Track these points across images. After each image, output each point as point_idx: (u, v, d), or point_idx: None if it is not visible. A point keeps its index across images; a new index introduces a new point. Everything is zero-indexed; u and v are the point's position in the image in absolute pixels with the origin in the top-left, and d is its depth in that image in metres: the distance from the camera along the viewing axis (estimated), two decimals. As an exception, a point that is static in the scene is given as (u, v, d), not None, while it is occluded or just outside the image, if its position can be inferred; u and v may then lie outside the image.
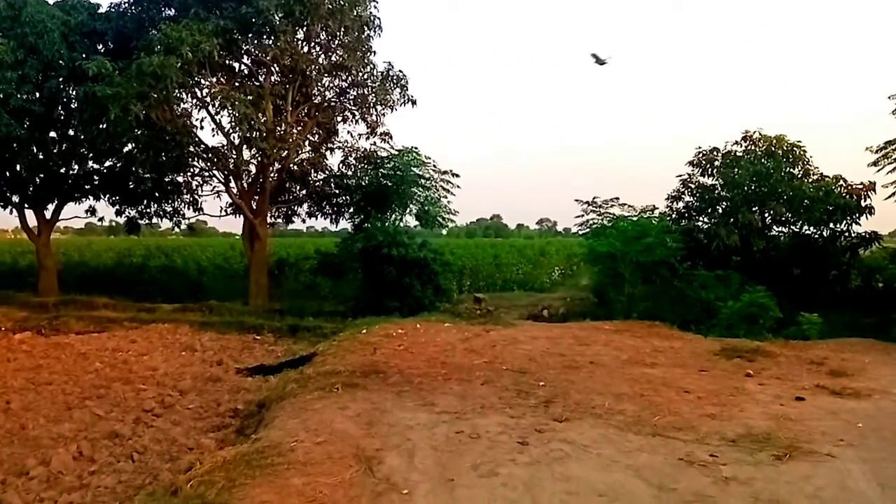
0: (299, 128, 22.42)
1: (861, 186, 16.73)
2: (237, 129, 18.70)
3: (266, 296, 21.25)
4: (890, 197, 17.19)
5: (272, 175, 21.62)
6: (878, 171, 17.37)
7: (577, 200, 18.70)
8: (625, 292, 16.07)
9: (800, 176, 18.02)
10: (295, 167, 23.15)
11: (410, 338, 12.20)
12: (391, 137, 22.90)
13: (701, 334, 13.92)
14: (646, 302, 16.31)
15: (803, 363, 10.22)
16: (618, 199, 18.47)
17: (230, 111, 17.35)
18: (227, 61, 20.14)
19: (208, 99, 18.51)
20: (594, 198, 18.47)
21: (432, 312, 17.35)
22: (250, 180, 21.44)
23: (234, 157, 19.26)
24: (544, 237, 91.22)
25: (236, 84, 19.74)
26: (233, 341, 15.46)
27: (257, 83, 20.15)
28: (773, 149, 18.45)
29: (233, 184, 21.30)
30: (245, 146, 20.17)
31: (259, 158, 20.56)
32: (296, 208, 24.94)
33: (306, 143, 23.34)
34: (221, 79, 19.07)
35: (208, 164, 20.50)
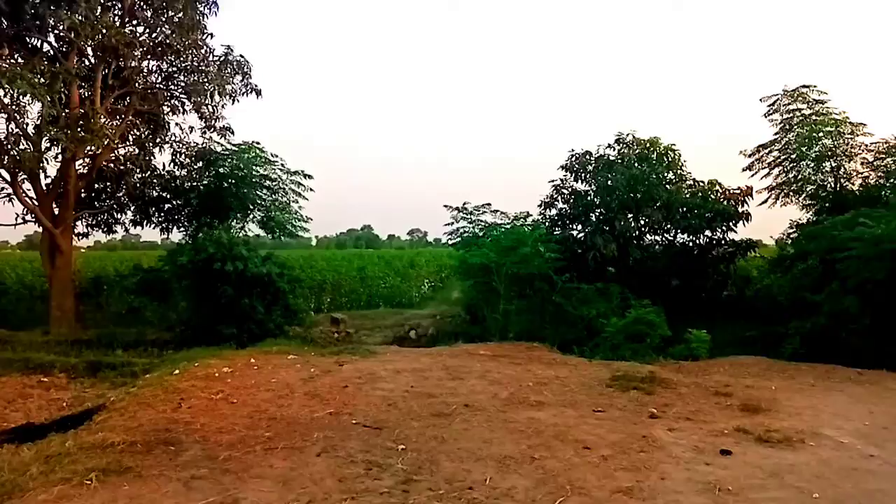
0: (115, 119, 18.91)
1: (738, 191, 16.44)
2: (19, 115, 14.91)
3: (72, 322, 17.44)
4: (764, 203, 17.18)
5: (79, 174, 17.91)
6: (752, 175, 17.33)
7: (446, 206, 16.99)
8: (500, 309, 14.46)
9: (675, 181, 17.53)
10: (111, 165, 19.49)
11: (238, 379, 9.64)
12: (232, 133, 19.94)
13: (584, 357, 12.62)
14: (522, 319, 14.82)
15: (708, 394, 8.96)
16: (489, 205, 17.00)
17: (9, 91, 13.57)
18: (22, 34, 16.29)
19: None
20: (464, 203, 16.85)
21: (279, 339, 14.79)
22: (49, 181, 17.52)
23: (20, 150, 15.34)
24: (415, 248, 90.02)
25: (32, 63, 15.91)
26: (8, 385, 11.88)
27: (59, 63, 16.38)
28: (647, 152, 17.87)
29: (27, 185, 17.33)
30: (44, 138, 16.37)
31: (59, 154, 16.78)
32: (118, 216, 21.12)
33: (125, 136, 19.81)
34: (15, 55, 15.15)
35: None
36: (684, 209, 16.71)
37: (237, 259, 14.80)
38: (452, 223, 16.85)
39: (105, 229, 21.46)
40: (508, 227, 16.18)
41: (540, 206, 18.62)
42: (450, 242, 17.21)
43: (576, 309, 14.07)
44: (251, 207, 18.51)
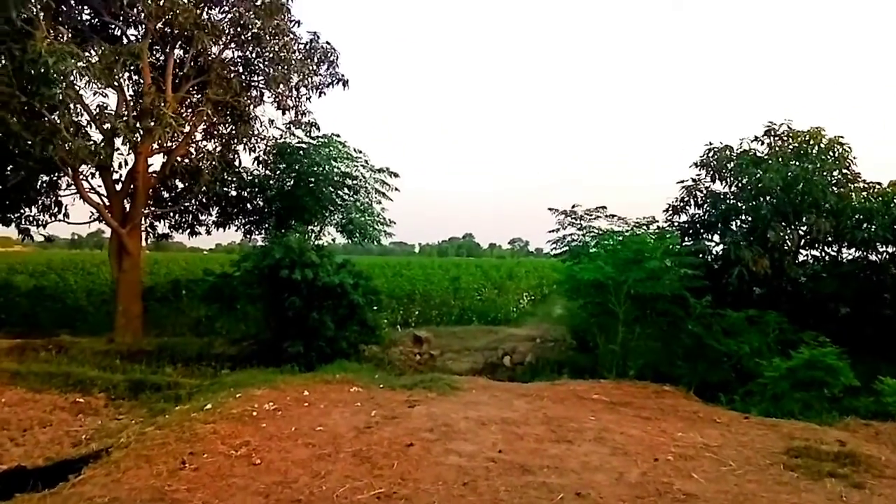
0: (189, 110, 17.86)
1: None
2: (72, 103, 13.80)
3: (138, 329, 16.37)
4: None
5: (153, 172, 16.92)
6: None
7: (551, 209, 14.40)
8: (618, 337, 11.66)
9: (844, 182, 14.00)
10: (186, 161, 18.47)
11: (277, 422, 7.62)
12: (318, 128, 18.38)
13: (735, 408, 9.65)
14: (646, 351, 11.96)
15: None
16: (604, 208, 14.21)
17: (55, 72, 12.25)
18: (80, 15, 15.47)
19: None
20: (574, 206, 14.17)
21: (351, 361, 12.84)
22: (121, 177, 16.57)
23: (75, 141, 14.21)
24: (515, 257, 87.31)
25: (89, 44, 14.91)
26: (39, 405, 10.60)
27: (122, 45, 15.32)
28: (806, 147, 14.44)
29: (97, 180, 16.50)
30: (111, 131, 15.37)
31: (128, 147, 15.71)
32: (201, 217, 20.19)
33: (208, 132, 18.79)
34: (68, 33, 14.15)
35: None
36: (858, 217, 13.16)
37: (307, 266, 12.99)
38: (558, 229, 14.22)
39: (187, 230, 20.64)
40: (627, 235, 13.34)
41: (666, 210, 15.62)
42: (554, 252, 14.56)
43: (720, 342, 11.04)
44: (331, 208, 16.77)
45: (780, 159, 14.11)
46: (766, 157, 14.68)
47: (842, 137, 14.10)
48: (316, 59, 18.52)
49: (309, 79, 18.47)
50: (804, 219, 13.33)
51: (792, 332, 11.37)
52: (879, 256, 13.31)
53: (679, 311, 11.57)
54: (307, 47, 18.33)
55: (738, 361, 10.83)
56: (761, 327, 11.35)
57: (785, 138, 14.75)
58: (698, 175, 15.51)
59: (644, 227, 14.50)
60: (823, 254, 14.39)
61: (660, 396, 9.98)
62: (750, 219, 14.18)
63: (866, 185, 13.82)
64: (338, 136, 17.24)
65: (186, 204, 19.60)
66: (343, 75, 18.53)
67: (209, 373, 12.75)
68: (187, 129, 17.08)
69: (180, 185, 19.36)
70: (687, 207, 15.53)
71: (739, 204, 14.51)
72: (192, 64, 16.82)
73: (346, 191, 17.02)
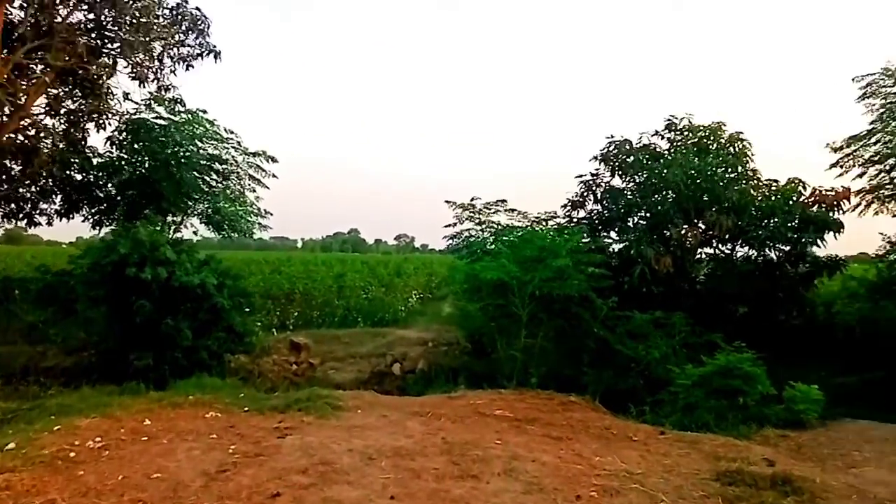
0: (26, 80, 15.23)
1: (832, 193, 12.82)
2: None
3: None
4: (854, 209, 13.66)
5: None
6: (841, 174, 13.81)
7: (448, 202, 13.33)
8: (520, 342, 10.71)
9: (744, 179, 13.92)
10: (21, 139, 15.77)
11: (99, 466, 5.93)
12: (182, 104, 16.20)
13: (645, 420, 8.98)
14: (549, 357, 11.11)
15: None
16: (504, 202, 13.32)
17: None
18: None
19: None
20: (473, 199, 13.16)
21: (214, 374, 11.10)
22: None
23: None
24: (402, 253, 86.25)
25: None
26: None
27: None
28: (707, 142, 14.27)
29: None
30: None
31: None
32: (41, 205, 17.39)
33: (53, 107, 16.14)
34: None
35: None
36: (760, 215, 13.07)
37: (160, 264, 11.09)
38: (455, 223, 13.16)
39: (24, 220, 17.74)
40: (529, 231, 12.50)
41: (565, 206, 14.95)
42: (451, 248, 13.50)
43: (626, 347, 10.38)
44: (195, 197, 14.73)
45: (682, 154, 13.82)
46: (666, 152, 14.40)
47: (741, 133, 14.06)
48: (183, 27, 16.41)
49: (174, 49, 16.35)
50: (706, 215, 13.07)
51: (698, 334, 10.94)
52: (777, 255, 13.29)
53: (585, 313, 10.81)
54: (173, 13, 16.19)
55: (647, 367, 10.21)
56: (668, 330, 10.83)
57: (686, 133, 14.52)
58: (597, 170, 15.00)
59: (544, 222, 13.78)
60: (723, 252, 14.26)
61: (567, 409, 9.10)
62: (650, 215, 13.80)
63: (765, 183, 13.82)
64: (204, 111, 15.22)
65: (22, 190, 16.84)
66: (214, 46, 16.51)
67: (32, 392, 10.56)
68: (23, 100, 14.48)
69: (15, 168, 16.59)
70: (586, 203, 14.98)
71: (640, 200, 14.08)
72: (30, 25, 14.24)
73: (213, 176, 15.05)
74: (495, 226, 13.14)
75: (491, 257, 11.16)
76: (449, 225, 13.53)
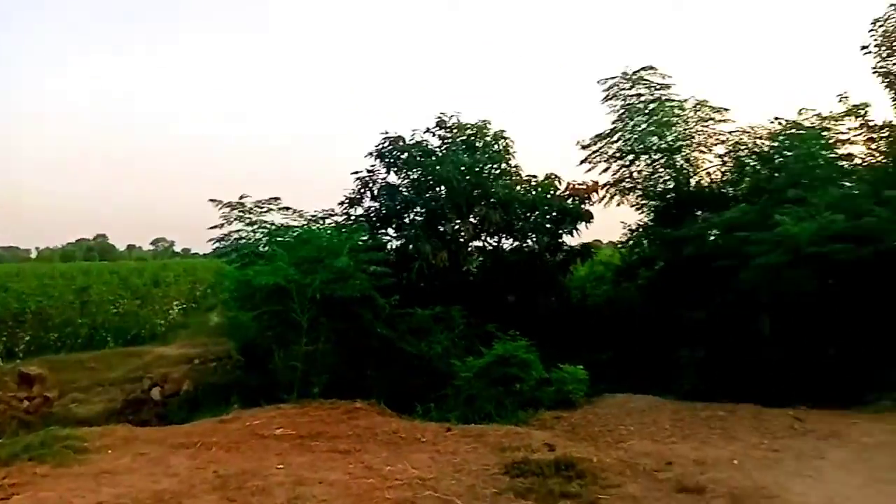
0: None
1: (584, 187, 14.08)
2: None
3: None
4: (601, 201, 15.15)
5: None
6: (590, 169, 15.19)
7: (213, 201, 12.14)
8: (301, 351, 10.08)
9: (509, 174, 14.73)
10: None
11: None
12: None
13: (431, 417, 9.00)
14: (331, 363, 10.62)
15: (664, 489, 5.75)
16: (278, 199, 12.53)
17: None
18: None
19: None
20: (242, 197, 12.15)
21: None
22: None
23: None
24: (160, 259, 79.12)
25: None
26: None
27: None
28: (474, 139, 14.86)
29: None
30: None
31: None
32: None
33: None
34: None
35: None
36: (523, 208, 13.94)
37: None
38: (223, 224, 12.05)
39: None
40: (306, 230, 11.88)
41: (342, 203, 14.58)
42: (218, 252, 12.33)
43: (410, 344, 10.31)
44: None
45: (452, 151, 14.21)
46: (438, 149, 14.72)
47: (504, 131, 14.85)
48: None
49: None
50: (477, 210, 13.59)
51: (475, 325, 11.28)
52: (538, 246, 14.28)
53: (367, 313, 10.53)
54: None
55: (430, 363, 10.24)
56: (447, 324, 11.00)
57: (455, 130, 14.97)
58: (373, 166, 14.87)
59: (322, 220, 13.28)
60: (492, 245, 14.96)
61: (353, 417, 8.72)
62: (426, 211, 14.00)
63: (526, 178, 14.77)
64: None
65: None
66: None
67: None
68: None
69: None
70: (364, 200, 14.76)
71: (416, 196, 14.21)
72: None
73: None
74: (269, 226, 12.29)
75: (265, 261, 10.34)
76: (215, 226, 12.35)
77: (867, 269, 8.68)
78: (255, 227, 12.09)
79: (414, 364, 10.33)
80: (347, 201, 14.45)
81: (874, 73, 12.28)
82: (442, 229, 13.60)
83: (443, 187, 13.71)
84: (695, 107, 14.07)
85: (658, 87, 14.54)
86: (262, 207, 12.17)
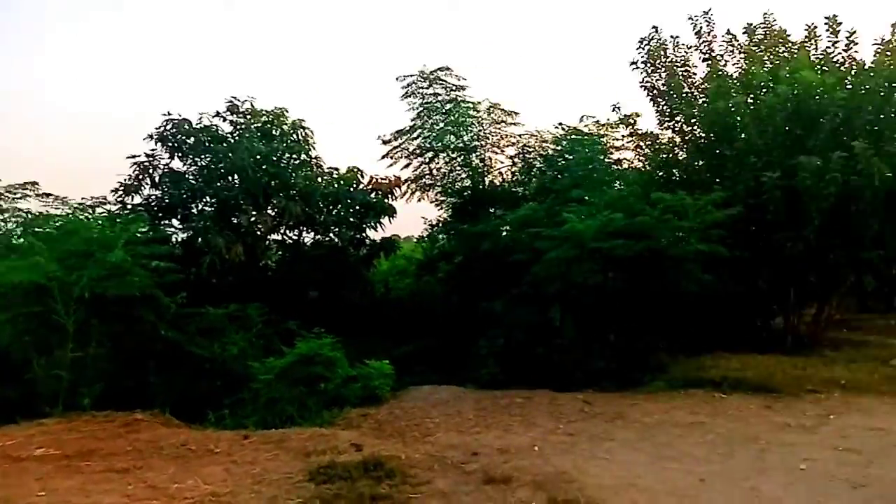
0: None
1: (387, 182, 14.06)
2: None
3: None
4: (404, 195, 15.33)
5: None
6: (391, 165, 15.29)
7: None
8: (66, 358, 8.73)
9: (310, 166, 14.24)
10: None
11: None
12: None
13: (226, 425, 8.37)
14: (105, 370, 9.37)
15: (472, 481, 5.82)
16: (36, 184, 10.81)
17: None
18: None
19: None
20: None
21: None
22: None
23: None
24: None
25: None
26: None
27: None
28: (271, 127, 14.14)
29: None
30: None
31: None
32: None
33: None
34: None
35: None
36: (325, 201, 13.54)
37: None
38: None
39: None
40: (70, 220, 10.39)
41: (116, 191, 13.00)
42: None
43: (200, 346, 9.45)
44: None
45: (247, 138, 13.35)
46: (230, 136, 13.75)
47: (304, 121, 14.30)
48: None
49: None
50: (275, 202, 12.92)
51: (275, 323, 10.71)
52: (342, 240, 14.00)
53: (149, 313, 9.43)
54: None
55: (224, 366, 9.49)
56: (244, 322, 10.30)
57: (249, 117, 14.09)
58: (154, 150, 13.45)
59: (91, 210, 11.75)
60: (292, 238, 14.38)
61: (133, 430, 7.75)
62: (218, 201, 13.00)
63: (328, 170, 14.39)
64: None
65: None
66: None
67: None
68: None
69: None
70: (142, 187, 13.30)
71: (205, 185, 13.12)
72: None
73: None
74: (24, 215, 10.53)
75: (19, 255, 8.80)
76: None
77: (642, 264, 9.68)
78: (7, 215, 10.32)
79: (206, 368, 9.48)
80: (123, 189, 12.90)
81: (641, 87, 13.69)
82: (236, 221, 12.74)
83: (236, 176, 12.84)
84: (488, 109, 14.80)
85: (454, 87, 15.07)
86: (14, 193, 10.42)
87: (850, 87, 11.04)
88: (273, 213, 13.22)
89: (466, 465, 6.17)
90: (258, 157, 13.02)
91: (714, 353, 10.19)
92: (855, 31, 11.66)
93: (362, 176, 14.35)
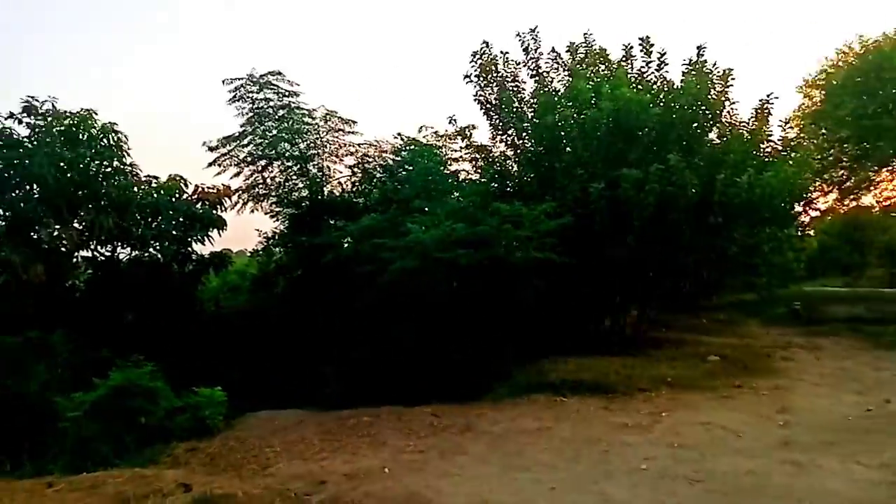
0: None
1: (215, 191, 13.08)
2: None
3: None
4: (235, 206, 14.44)
5: None
6: (220, 173, 14.33)
7: None
8: None
9: (123, 174, 12.88)
10: None
11: None
12: None
13: (22, 474, 7.19)
14: None
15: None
16: None
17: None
18: None
19: None
20: None
21: None
22: None
23: None
24: None
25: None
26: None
27: None
28: (77, 130, 12.65)
29: None
30: None
31: None
32: None
33: None
34: None
35: None
36: (144, 213, 12.31)
37: None
38: None
39: None
40: None
41: None
42: None
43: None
44: None
45: (48, 143, 11.79)
46: (27, 140, 12.08)
47: (116, 124, 12.91)
48: None
49: None
50: (83, 214, 11.52)
51: (85, 351, 9.50)
52: (165, 255, 12.80)
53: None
54: None
55: (23, 403, 8.20)
56: (47, 351, 9.01)
57: (50, 119, 12.47)
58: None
59: None
60: (105, 255, 12.91)
61: None
62: (12, 214, 11.34)
63: (146, 179, 13.11)
64: None
65: None
66: None
67: None
68: None
69: None
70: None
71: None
72: None
73: None
74: None
75: None
76: None
77: (484, 272, 9.82)
78: None
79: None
80: None
81: (475, 100, 14.04)
82: (36, 236, 11.19)
83: (35, 185, 11.29)
84: (325, 116, 14.36)
85: (287, 93, 14.44)
86: None
87: (662, 104, 12.10)
88: (80, 227, 11.78)
89: (312, 497, 5.75)
90: (61, 164, 11.54)
91: (552, 357, 10.59)
92: (665, 53, 12.83)
93: (186, 185, 13.25)
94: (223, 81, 14.36)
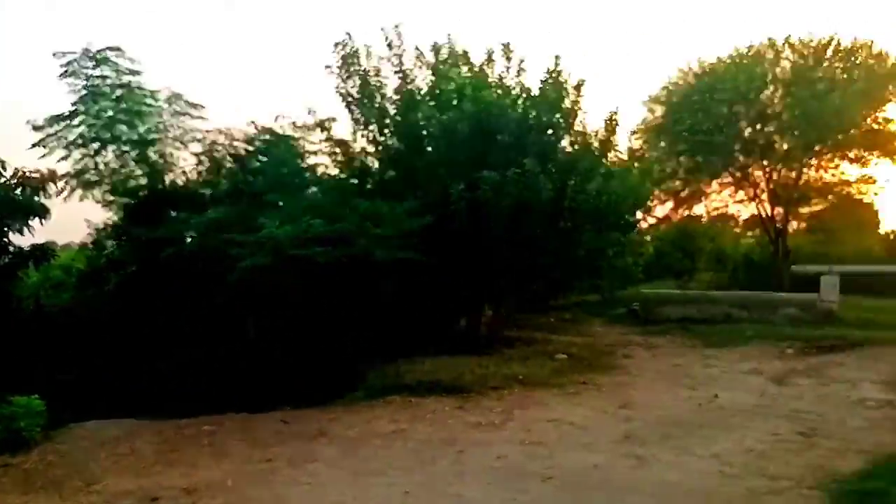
0: None
1: (38, 175, 11.66)
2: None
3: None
4: (61, 193, 13.01)
5: None
6: (45, 155, 12.87)
7: None
8: None
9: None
10: None
11: None
12: None
13: None
14: None
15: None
16: None
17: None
18: None
19: None
20: None
21: None
22: None
23: None
24: None
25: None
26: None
27: None
28: None
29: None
30: None
31: None
32: None
33: None
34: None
35: None
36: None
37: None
38: None
39: None
40: None
41: None
42: None
43: None
44: None
45: None
46: None
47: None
48: None
49: None
50: None
51: None
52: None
53: None
54: None
55: None
56: None
57: None
58: None
59: None
60: None
61: None
62: None
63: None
64: None
65: None
66: None
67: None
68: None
69: None
70: None
71: None
72: None
73: None
74: None
75: None
76: None
77: (342, 271, 9.56)
78: None
79: None
80: None
81: (336, 92, 13.69)
82: None
83: None
84: (168, 99, 13.33)
85: (127, 71, 13.22)
86: None
87: (521, 109, 12.47)
88: None
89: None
90: None
91: (409, 357, 10.57)
92: (524, 60, 13.26)
93: (4, 168, 11.71)
94: (54, 54, 12.94)
